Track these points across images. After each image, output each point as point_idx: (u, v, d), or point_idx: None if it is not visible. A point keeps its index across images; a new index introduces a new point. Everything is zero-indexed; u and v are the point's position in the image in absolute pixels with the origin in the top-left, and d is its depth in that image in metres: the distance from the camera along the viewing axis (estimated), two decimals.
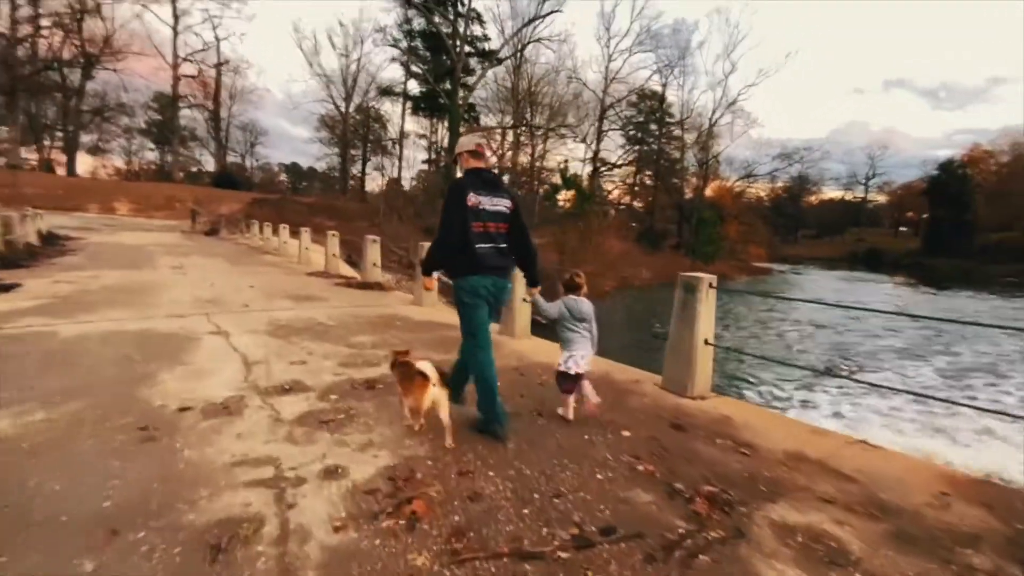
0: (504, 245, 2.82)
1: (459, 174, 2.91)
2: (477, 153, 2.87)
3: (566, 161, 39.51)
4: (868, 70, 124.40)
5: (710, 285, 3.65)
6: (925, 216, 55.66)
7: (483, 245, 2.71)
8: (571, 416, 3.06)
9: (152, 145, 52.21)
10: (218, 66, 43.96)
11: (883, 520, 2.19)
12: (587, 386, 3.07)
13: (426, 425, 2.81)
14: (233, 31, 60.22)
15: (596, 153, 43.55)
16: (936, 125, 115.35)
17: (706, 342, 3.66)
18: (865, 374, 12.95)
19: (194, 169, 54.55)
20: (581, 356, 2.99)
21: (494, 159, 37.09)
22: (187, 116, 46.72)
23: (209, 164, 53.05)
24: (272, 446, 2.54)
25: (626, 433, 2.91)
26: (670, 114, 47.19)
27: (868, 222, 70.48)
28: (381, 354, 4.21)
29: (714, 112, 43.85)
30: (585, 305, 3.08)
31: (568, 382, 3.02)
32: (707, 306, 3.65)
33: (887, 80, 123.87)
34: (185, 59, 41.37)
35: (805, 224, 72.25)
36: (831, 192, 73.65)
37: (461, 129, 33.73)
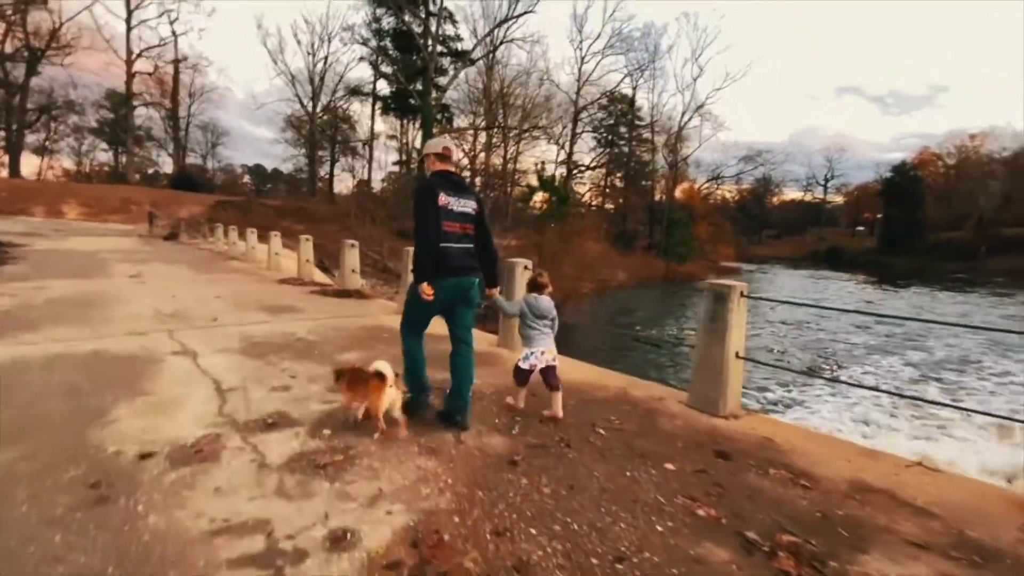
0: (470, 245, 2.94)
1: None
2: (444, 156, 2.97)
3: (543, 163, 39.38)
4: (822, 76, 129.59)
5: (742, 294, 3.36)
6: (880, 216, 57.93)
7: (450, 244, 2.81)
8: (521, 405, 3.25)
9: (105, 145, 49.48)
10: (175, 63, 41.95)
11: (987, 568, 1.91)
12: (557, 399, 3.14)
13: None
14: (191, 26, 57.13)
15: (570, 155, 43.54)
16: (886, 129, 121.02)
17: (737, 355, 3.37)
18: (851, 371, 13.12)
19: (151, 171, 52.00)
20: (541, 352, 3.12)
21: (466, 161, 36.45)
22: (142, 115, 44.45)
23: (167, 165, 50.65)
24: (260, 503, 2.08)
25: (670, 466, 2.57)
26: (640, 117, 47.74)
27: (827, 222, 73.00)
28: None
29: (683, 115, 44.54)
30: (544, 303, 3.18)
31: (523, 376, 3.17)
32: (739, 316, 3.35)
33: (839, 87, 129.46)
34: (140, 55, 39.27)
35: (769, 224, 74.28)
36: (792, 193, 76.16)
37: (435, 130, 33.09)
